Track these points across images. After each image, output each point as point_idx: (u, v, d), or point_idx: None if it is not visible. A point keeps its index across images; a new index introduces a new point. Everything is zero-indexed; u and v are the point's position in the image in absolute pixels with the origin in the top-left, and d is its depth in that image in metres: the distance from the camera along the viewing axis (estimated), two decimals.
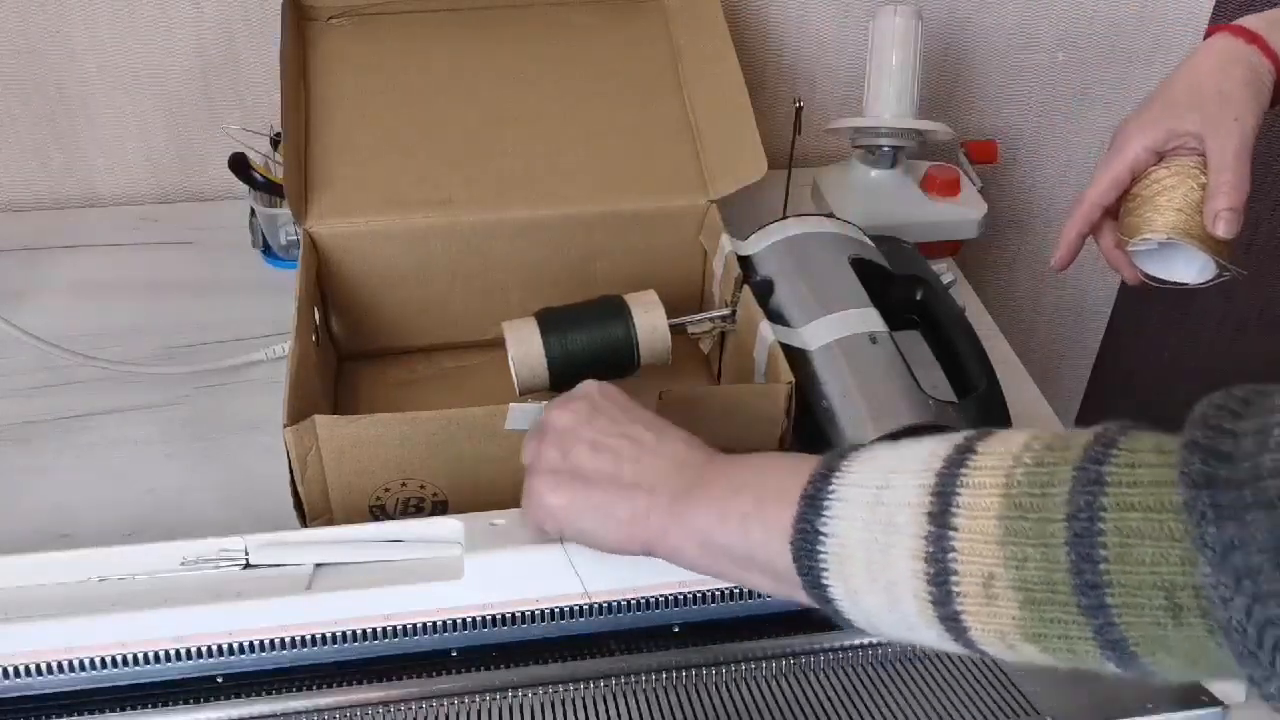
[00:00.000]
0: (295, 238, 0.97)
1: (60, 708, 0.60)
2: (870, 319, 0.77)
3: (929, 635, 0.45)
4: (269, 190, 0.97)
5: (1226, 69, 0.73)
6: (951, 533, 0.43)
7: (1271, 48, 0.73)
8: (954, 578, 0.42)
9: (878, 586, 0.45)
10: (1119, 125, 0.78)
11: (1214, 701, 0.62)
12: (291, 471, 0.68)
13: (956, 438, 0.45)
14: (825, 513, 0.46)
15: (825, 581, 0.47)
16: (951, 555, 0.42)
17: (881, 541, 0.45)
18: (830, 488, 0.47)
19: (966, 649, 0.44)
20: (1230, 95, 0.72)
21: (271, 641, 0.60)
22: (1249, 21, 0.75)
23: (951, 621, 0.43)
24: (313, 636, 0.61)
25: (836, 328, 0.76)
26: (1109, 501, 0.39)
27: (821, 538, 0.46)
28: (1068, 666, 0.43)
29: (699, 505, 0.52)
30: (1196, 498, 0.37)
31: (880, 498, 0.45)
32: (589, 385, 0.60)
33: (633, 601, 0.63)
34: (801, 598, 0.49)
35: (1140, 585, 0.38)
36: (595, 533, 0.55)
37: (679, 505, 0.52)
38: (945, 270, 0.96)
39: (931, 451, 0.45)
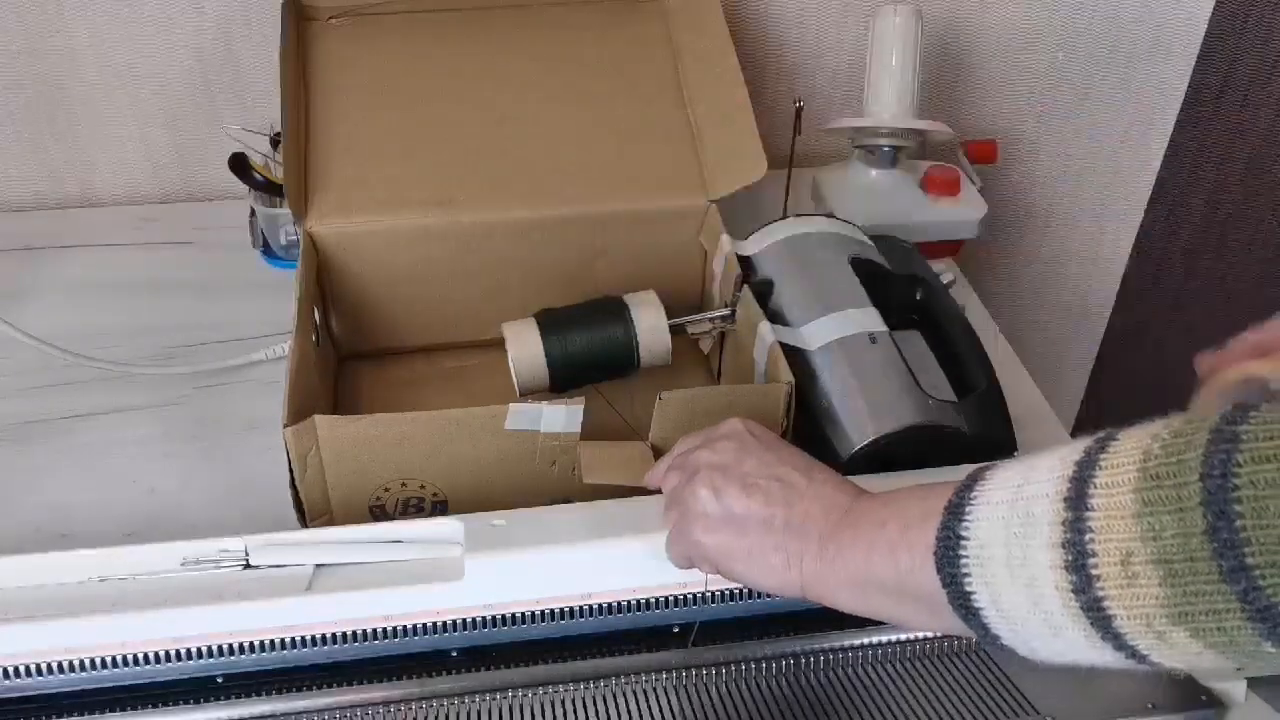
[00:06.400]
0: (295, 238, 0.97)
1: (60, 708, 0.60)
2: (870, 319, 0.77)
3: (1075, 636, 0.43)
4: (269, 190, 0.97)
5: None
6: (1088, 514, 0.41)
7: None
8: (1091, 560, 0.41)
9: (1019, 583, 0.44)
10: None
11: (1214, 701, 0.62)
12: (291, 471, 0.68)
13: (1100, 433, 0.44)
14: (966, 518, 0.46)
15: (969, 588, 0.45)
16: (1089, 536, 0.41)
17: (1020, 535, 0.43)
18: (972, 495, 0.46)
19: (1118, 650, 0.42)
20: None
21: (272, 642, 0.60)
22: None
23: (1095, 611, 0.42)
24: (313, 637, 0.61)
25: (836, 328, 0.76)
26: (1243, 457, 0.37)
27: (963, 542, 0.45)
28: (1230, 661, 0.41)
29: (847, 545, 0.52)
30: None
31: (1020, 494, 0.44)
32: (735, 423, 0.60)
33: (632, 601, 0.63)
34: (953, 624, 0.47)
35: None
36: (748, 576, 0.55)
37: (828, 549, 0.52)
38: (945, 270, 0.96)
39: (1072, 446, 0.44)
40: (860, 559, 0.51)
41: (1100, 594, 0.41)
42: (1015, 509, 0.44)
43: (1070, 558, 0.42)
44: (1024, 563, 0.43)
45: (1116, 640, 0.42)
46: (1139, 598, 0.40)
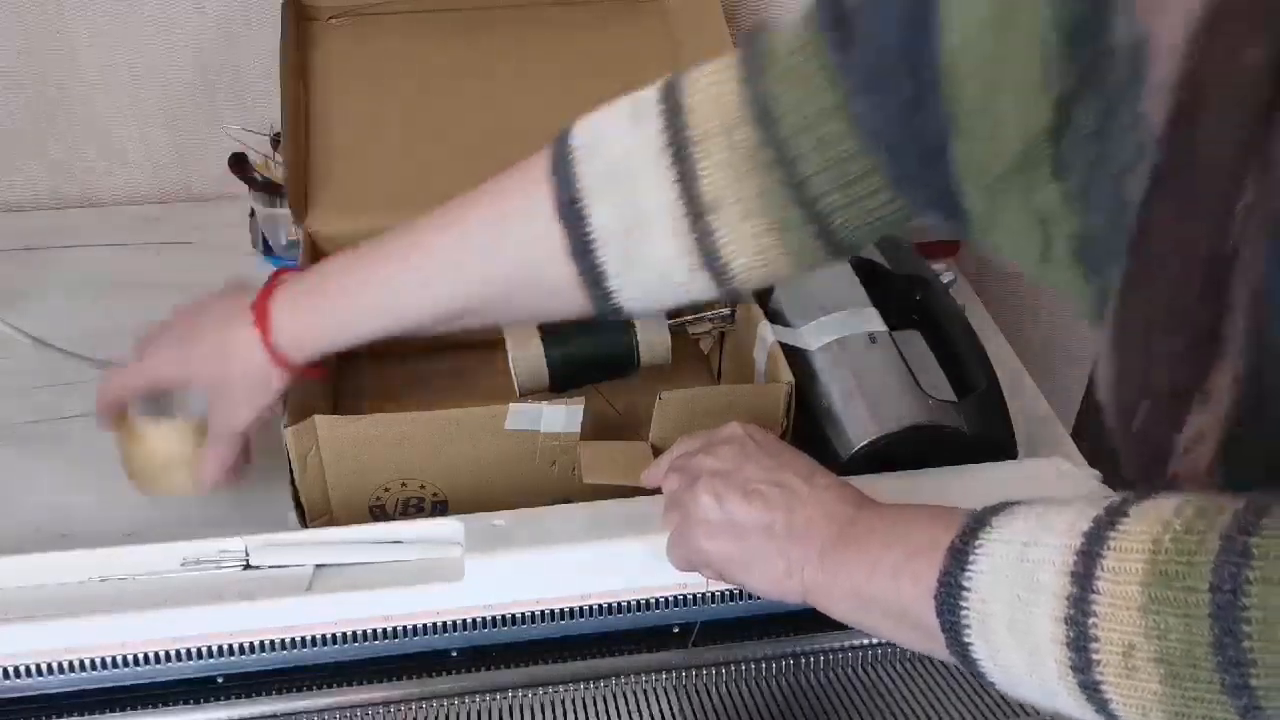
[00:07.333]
0: (295, 238, 0.97)
1: (60, 708, 0.60)
2: (870, 319, 0.77)
3: (1070, 704, 0.43)
4: (269, 190, 0.97)
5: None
6: (1094, 595, 0.41)
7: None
8: (1094, 644, 0.41)
9: (1020, 647, 0.44)
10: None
11: None
12: (291, 471, 0.68)
13: (1111, 500, 0.44)
14: (970, 567, 0.46)
15: (967, 639, 0.46)
16: (1092, 620, 0.41)
17: (1024, 599, 0.44)
18: (977, 542, 0.46)
19: None
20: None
21: (272, 642, 0.60)
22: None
23: (1092, 691, 0.42)
24: (313, 637, 0.61)
25: (836, 328, 0.76)
26: (1254, 575, 0.37)
27: (965, 593, 0.46)
28: None
29: (851, 559, 0.52)
30: None
31: (1025, 554, 0.44)
32: (735, 428, 0.60)
33: (632, 602, 0.63)
34: (949, 657, 0.48)
35: None
36: (750, 582, 0.56)
37: (830, 560, 0.52)
38: (945, 270, 0.96)
39: (1080, 512, 0.44)
40: (863, 577, 0.51)
41: (1099, 678, 0.41)
42: (1021, 570, 0.44)
43: (1073, 635, 0.42)
44: (1027, 630, 0.43)
45: (1110, 718, 0.42)
46: (1138, 690, 0.40)
